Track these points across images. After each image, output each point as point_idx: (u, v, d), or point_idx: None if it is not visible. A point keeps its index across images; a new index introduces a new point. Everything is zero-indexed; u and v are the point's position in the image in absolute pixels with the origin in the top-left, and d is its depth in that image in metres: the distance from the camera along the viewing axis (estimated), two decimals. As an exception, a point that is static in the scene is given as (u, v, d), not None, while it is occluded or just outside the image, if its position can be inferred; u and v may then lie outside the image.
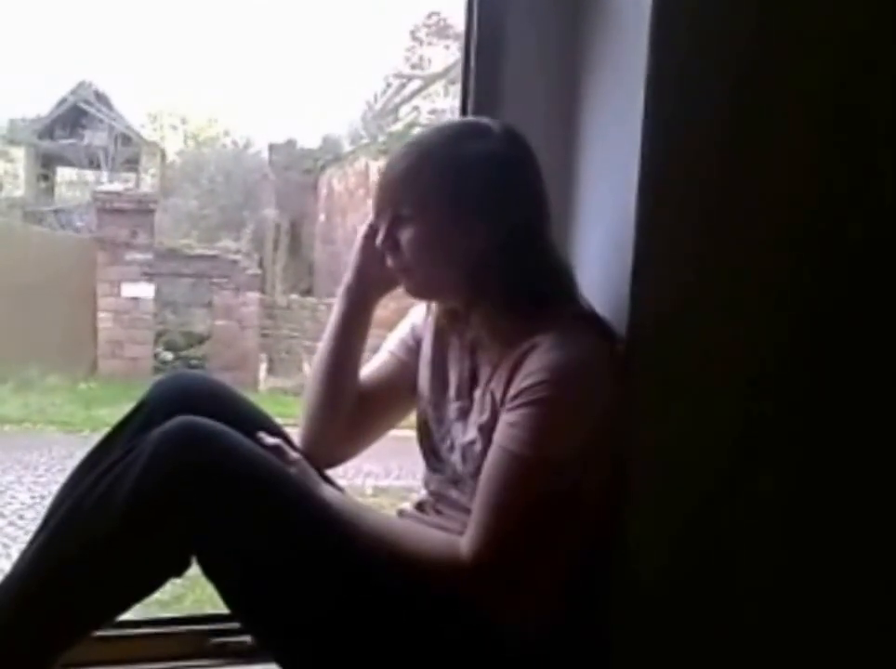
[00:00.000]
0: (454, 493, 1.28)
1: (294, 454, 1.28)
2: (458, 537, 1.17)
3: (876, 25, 1.31)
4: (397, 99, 13.94)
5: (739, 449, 1.32)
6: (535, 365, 1.14)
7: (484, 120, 1.27)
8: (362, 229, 1.34)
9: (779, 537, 1.34)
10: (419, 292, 1.29)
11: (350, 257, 1.36)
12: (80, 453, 1.32)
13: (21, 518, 4.54)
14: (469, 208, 1.18)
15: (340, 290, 1.36)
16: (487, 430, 1.20)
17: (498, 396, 1.19)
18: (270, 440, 1.27)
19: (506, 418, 1.16)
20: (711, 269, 1.28)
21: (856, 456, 1.36)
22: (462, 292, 1.23)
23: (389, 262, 1.25)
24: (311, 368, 1.39)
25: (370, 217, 1.34)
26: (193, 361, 10.01)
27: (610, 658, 1.32)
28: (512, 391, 1.16)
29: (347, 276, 1.36)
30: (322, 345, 1.36)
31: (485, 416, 1.21)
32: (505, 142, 1.21)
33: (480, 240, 1.19)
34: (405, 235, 1.21)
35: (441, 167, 1.19)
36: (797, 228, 1.31)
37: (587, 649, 1.31)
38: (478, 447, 1.22)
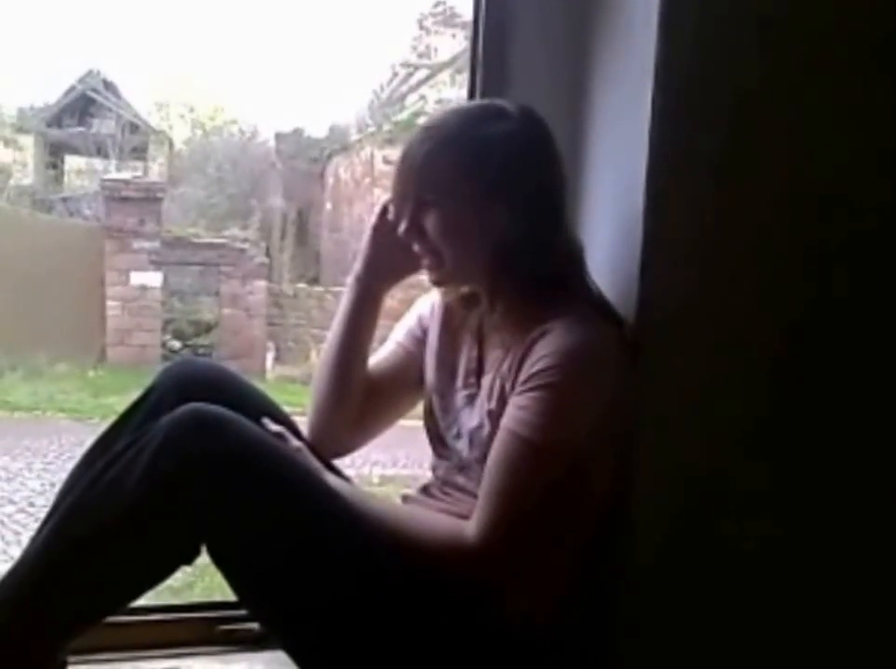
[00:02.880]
0: (460, 479, 1.29)
1: (296, 442, 1.28)
2: (464, 521, 1.17)
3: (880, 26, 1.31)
4: (403, 88, 13.91)
5: (745, 438, 1.32)
6: (546, 350, 1.14)
7: (500, 101, 1.26)
8: (373, 219, 1.34)
9: (781, 528, 1.34)
10: (447, 279, 1.27)
11: (360, 247, 1.36)
12: (89, 441, 1.32)
13: (31, 504, 4.57)
14: (492, 189, 1.18)
15: (350, 279, 1.36)
16: (495, 415, 1.20)
17: (508, 381, 1.19)
18: (274, 427, 1.27)
19: (515, 401, 1.16)
20: (719, 257, 1.28)
21: (858, 449, 1.36)
22: (488, 273, 1.23)
23: (416, 249, 1.25)
24: (320, 357, 1.39)
25: (378, 207, 1.34)
26: (201, 350, 10.04)
27: (615, 646, 1.33)
28: (522, 376, 1.16)
29: (356, 265, 1.35)
30: (331, 334, 1.36)
31: (493, 401, 1.21)
32: (523, 122, 1.21)
33: (503, 219, 1.18)
34: (430, 220, 1.21)
35: (462, 150, 1.19)
36: (807, 210, 1.31)
37: (592, 635, 1.32)
38: (485, 431, 1.22)
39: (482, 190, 1.18)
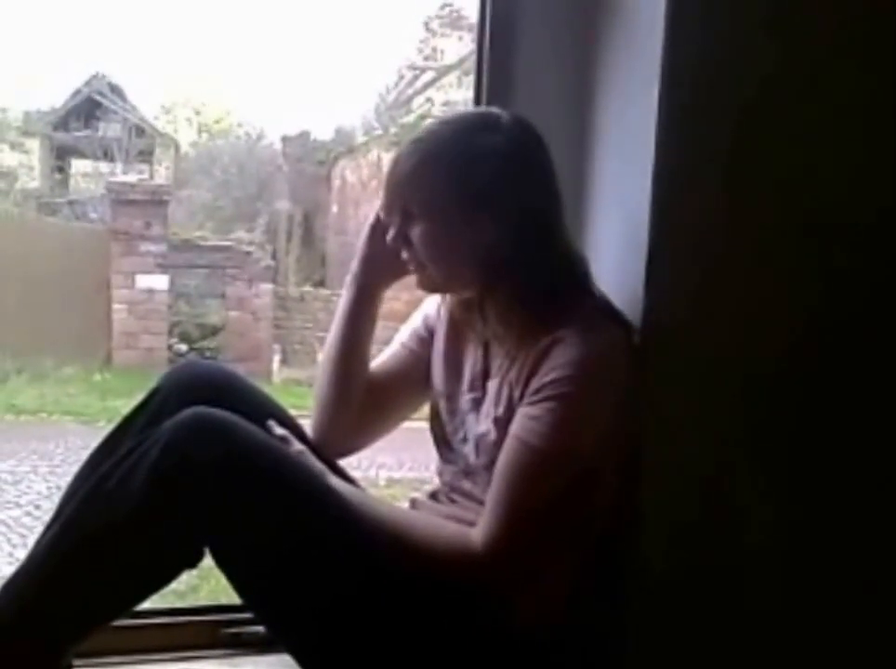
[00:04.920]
0: (467, 485, 1.29)
1: (298, 445, 1.28)
2: (470, 528, 1.17)
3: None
4: (410, 91, 13.93)
5: (748, 440, 1.32)
6: (559, 360, 1.14)
7: (493, 110, 1.25)
8: (370, 219, 1.35)
9: (784, 529, 1.34)
10: (433, 287, 1.28)
11: (357, 246, 1.36)
12: (95, 444, 1.32)
13: (37, 508, 4.57)
14: (478, 203, 1.18)
15: (347, 278, 1.37)
16: (502, 422, 1.20)
17: (517, 389, 1.19)
18: (279, 431, 1.27)
19: (525, 411, 1.16)
20: (725, 264, 1.28)
21: (857, 449, 1.36)
22: (475, 285, 1.23)
23: (404, 257, 1.25)
24: (321, 358, 1.40)
25: (377, 207, 1.34)
26: (207, 353, 10.03)
27: (623, 647, 1.32)
28: (534, 385, 1.16)
29: (353, 265, 1.36)
30: (331, 333, 1.37)
31: (500, 409, 1.21)
32: (513, 134, 1.20)
33: (490, 233, 1.18)
34: (416, 232, 1.21)
35: (449, 164, 1.19)
36: (813, 215, 1.31)
37: (594, 634, 1.32)
38: (491, 438, 1.22)
39: (469, 204, 1.18)
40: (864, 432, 1.36)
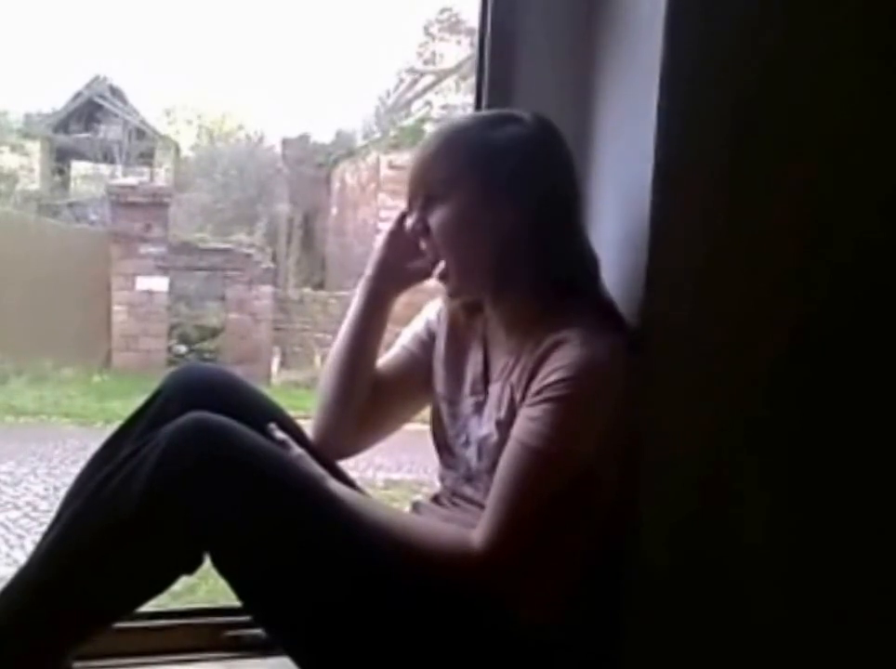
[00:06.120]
0: (468, 490, 1.29)
1: (298, 449, 1.27)
2: (469, 530, 1.17)
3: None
4: (409, 95, 13.93)
5: (748, 438, 1.32)
6: (560, 362, 1.14)
7: (516, 110, 1.27)
8: (391, 224, 1.35)
9: (786, 524, 1.35)
10: (451, 281, 1.25)
11: (374, 248, 1.37)
12: (94, 445, 1.32)
13: (35, 509, 4.57)
14: (500, 188, 1.18)
15: (361, 282, 1.37)
16: (504, 425, 1.20)
17: (518, 390, 1.19)
18: (280, 435, 1.27)
19: (526, 413, 1.16)
20: (725, 258, 1.28)
21: (854, 447, 1.36)
22: (491, 277, 1.23)
23: (422, 246, 1.25)
24: (327, 359, 1.40)
25: (398, 213, 1.34)
26: (207, 354, 10.03)
27: (622, 646, 1.32)
28: (535, 387, 1.15)
29: (367, 268, 1.36)
30: (339, 336, 1.37)
31: (502, 411, 1.21)
32: (536, 127, 1.22)
33: (509, 220, 1.19)
34: (435, 217, 1.21)
35: (475, 147, 1.20)
36: (812, 214, 1.31)
37: (601, 639, 1.32)
38: (493, 441, 1.22)
39: (489, 188, 1.18)
40: (864, 431, 1.36)
